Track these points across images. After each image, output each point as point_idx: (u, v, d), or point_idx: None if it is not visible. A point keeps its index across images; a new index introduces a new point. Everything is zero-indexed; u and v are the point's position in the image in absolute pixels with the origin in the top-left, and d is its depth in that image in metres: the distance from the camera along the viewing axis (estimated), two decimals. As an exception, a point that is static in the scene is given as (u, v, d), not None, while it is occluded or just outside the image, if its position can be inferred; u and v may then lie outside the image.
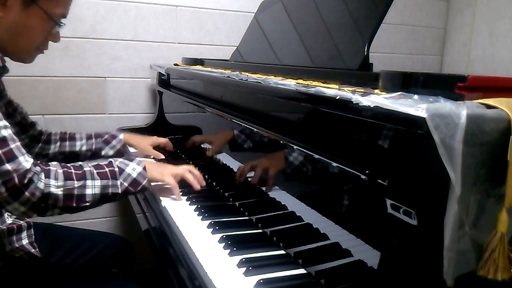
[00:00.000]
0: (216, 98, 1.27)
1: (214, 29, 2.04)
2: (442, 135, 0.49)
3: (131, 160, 1.04)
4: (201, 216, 1.01)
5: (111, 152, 1.37)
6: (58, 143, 1.32)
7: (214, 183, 1.24)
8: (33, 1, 0.94)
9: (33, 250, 1.12)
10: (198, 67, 1.62)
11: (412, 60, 2.48)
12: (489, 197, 0.53)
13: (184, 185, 1.12)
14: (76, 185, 0.92)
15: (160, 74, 1.82)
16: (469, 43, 2.36)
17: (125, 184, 0.99)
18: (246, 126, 1.03)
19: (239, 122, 1.06)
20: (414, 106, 0.52)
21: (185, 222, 0.98)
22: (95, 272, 1.27)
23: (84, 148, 1.34)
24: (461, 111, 0.49)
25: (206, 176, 1.30)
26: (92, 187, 0.94)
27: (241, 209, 1.07)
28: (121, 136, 1.39)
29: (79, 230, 1.37)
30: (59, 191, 0.90)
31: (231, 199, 1.13)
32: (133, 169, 1.01)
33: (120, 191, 0.98)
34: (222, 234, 0.91)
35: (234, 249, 0.84)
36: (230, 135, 1.20)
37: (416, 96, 0.58)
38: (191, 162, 1.44)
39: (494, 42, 2.22)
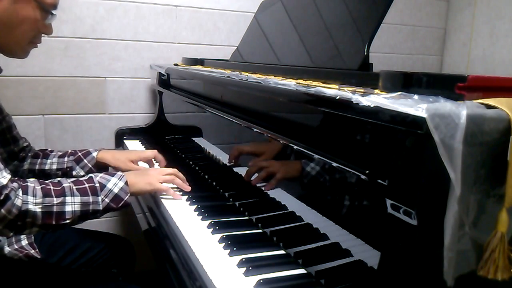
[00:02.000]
0: (216, 98, 1.27)
1: (214, 29, 2.04)
2: (442, 135, 0.49)
3: (113, 175, 0.99)
4: (201, 216, 1.01)
5: (82, 173, 1.23)
6: (29, 160, 1.24)
7: (214, 183, 1.24)
8: None
9: (33, 250, 1.12)
10: (198, 67, 1.62)
11: (412, 60, 2.48)
12: (489, 197, 0.52)
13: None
14: (55, 202, 0.88)
15: (160, 74, 1.82)
16: (469, 43, 2.36)
17: (106, 200, 0.95)
18: (246, 126, 1.03)
19: (239, 122, 1.06)
20: (414, 106, 0.51)
21: (185, 222, 0.98)
22: (95, 272, 1.26)
23: (54, 166, 1.23)
24: (461, 111, 0.49)
25: (206, 176, 1.30)
26: (72, 204, 0.90)
27: (241, 209, 1.06)
28: (95, 153, 1.24)
29: (79, 231, 1.36)
30: (37, 209, 0.86)
31: (231, 199, 1.13)
32: (114, 184, 0.97)
33: (101, 208, 0.94)
34: (222, 234, 0.91)
35: (234, 249, 0.84)
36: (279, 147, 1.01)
37: (416, 96, 0.58)
38: (191, 162, 1.44)
39: (494, 42, 2.22)
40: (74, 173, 1.23)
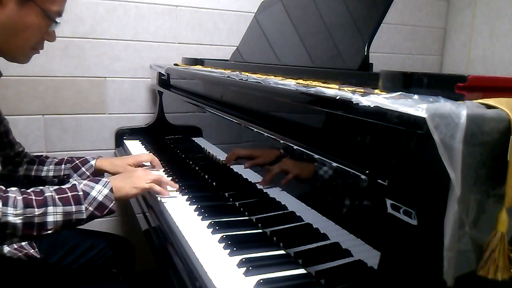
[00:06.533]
0: (216, 98, 1.27)
1: (214, 29, 2.04)
2: (442, 135, 0.49)
3: (97, 182, 0.97)
4: (201, 216, 1.01)
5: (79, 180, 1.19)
6: (25, 166, 1.21)
7: (214, 183, 1.24)
8: None
9: (32, 250, 1.12)
10: (198, 67, 1.62)
11: (412, 60, 2.48)
12: (489, 197, 0.52)
13: (185, 185, 1.12)
14: (36, 213, 0.85)
15: (160, 74, 1.82)
16: (469, 43, 2.36)
17: (90, 208, 0.93)
18: (246, 126, 1.03)
19: (239, 122, 1.06)
20: (414, 106, 0.51)
21: (185, 222, 0.98)
22: (95, 272, 1.26)
23: (50, 173, 1.22)
24: (461, 111, 0.49)
25: (206, 176, 1.30)
26: (54, 214, 0.87)
27: (241, 209, 1.06)
28: (93, 162, 1.24)
29: (79, 231, 1.36)
30: (17, 220, 0.83)
31: (231, 199, 1.13)
32: (99, 191, 0.94)
33: (85, 217, 0.92)
34: (222, 234, 0.90)
35: (234, 249, 0.84)
36: (275, 154, 1.02)
37: (416, 96, 0.58)
38: (191, 162, 1.44)
39: (494, 42, 2.22)
40: (71, 180, 1.17)
